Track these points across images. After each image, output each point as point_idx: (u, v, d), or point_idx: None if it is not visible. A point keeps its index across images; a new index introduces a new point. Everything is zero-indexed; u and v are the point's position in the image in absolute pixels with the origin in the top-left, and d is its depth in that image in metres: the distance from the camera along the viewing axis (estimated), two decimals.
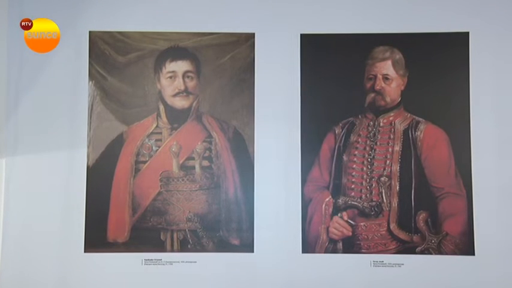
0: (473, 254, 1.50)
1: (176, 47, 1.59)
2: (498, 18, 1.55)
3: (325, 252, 1.54)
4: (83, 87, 1.57)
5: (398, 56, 1.57)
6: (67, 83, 1.57)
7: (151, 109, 1.59)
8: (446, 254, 1.51)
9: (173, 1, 1.60)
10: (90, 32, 1.58)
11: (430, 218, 1.52)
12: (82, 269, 1.53)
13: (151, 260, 1.54)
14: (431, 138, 1.55)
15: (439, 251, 1.51)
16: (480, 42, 1.54)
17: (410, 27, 1.57)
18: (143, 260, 1.54)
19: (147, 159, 1.57)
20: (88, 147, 1.56)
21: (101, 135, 1.57)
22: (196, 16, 1.59)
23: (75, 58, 1.57)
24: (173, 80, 1.59)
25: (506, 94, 1.54)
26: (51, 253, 1.53)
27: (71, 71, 1.58)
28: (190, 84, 1.59)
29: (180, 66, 1.59)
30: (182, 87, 1.59)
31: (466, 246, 1.51)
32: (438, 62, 1.56)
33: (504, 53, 1.54)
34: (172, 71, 1.59)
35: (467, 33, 1.55)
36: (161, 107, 1.59)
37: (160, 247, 1.54)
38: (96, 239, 1.53)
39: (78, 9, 1.59)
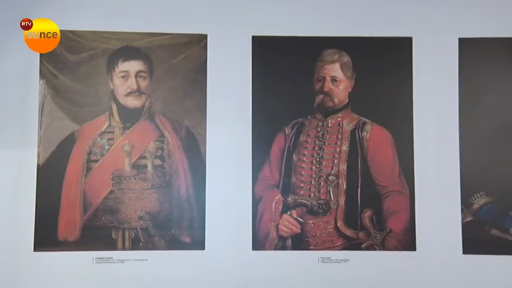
0: (414, 249, 1.57)
1: (129, 46, 1.60)
2: (440, 25, 1.62)
3: (275, 249, 1.58)
4: (34, 85, 1.56)
5: (346, 58, 1.62)
6: (17, 82, 1.56)
7: (103, 108, 1.59)
8: (390, 249, 1.57)
9: (126, 1, 1.60)
10: None
11: (375, 216, 1.58)
12: (31, 268, 1.52)
13: (102, 258, 1.54)
14: (377, 138, 1.61)
15: (383, 246, 1.57)
16: (422, 47, 1.61)
17: (358, 31, 1.62)
18: (94, 259, 1.54)
19: (99, 158, 1.58)
20: (38, 146, 1.55)
21: (52, 134, 1.56)
22: (149, 16, 1.60)
23: (26, 56, 1.56)
24: (126, 79, 1.60)
25: (447, 96, 1.60)
26: (0, 252, 1.52)
27: (22, 69, 1.57)
28: (143, 84, 1.60)
29: (133, 66, 1.60)
30: (135, 87, 1.60)
31: (408, 242, 1.57)
32: (384, 65, 1.62)
33: (444, 57, 1.61)
34: (125, 71, 1.60)
35: (411, 38, 1.62)
36: (113, 106, 1.60)
37: (111, 245, 1.55)
38: (46, 237, 1.53)
39: (30, 8, 1.57)
